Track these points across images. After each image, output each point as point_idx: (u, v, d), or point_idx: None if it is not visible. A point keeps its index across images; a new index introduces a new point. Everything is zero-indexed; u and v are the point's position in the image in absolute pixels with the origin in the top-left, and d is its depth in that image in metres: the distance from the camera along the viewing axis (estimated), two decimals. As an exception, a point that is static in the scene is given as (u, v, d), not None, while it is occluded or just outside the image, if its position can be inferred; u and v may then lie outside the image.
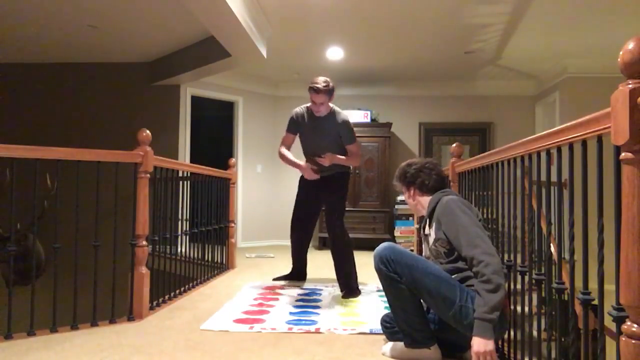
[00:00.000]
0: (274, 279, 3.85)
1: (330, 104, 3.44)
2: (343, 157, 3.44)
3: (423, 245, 2.25)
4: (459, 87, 6.95)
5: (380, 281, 1.97)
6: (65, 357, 2.08)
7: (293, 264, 3.83)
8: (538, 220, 1.83)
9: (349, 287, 3.34)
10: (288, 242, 3.53)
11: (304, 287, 3.67)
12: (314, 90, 3.30)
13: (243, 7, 3.99)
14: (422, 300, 1.95)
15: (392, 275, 1.90)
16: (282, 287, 3.66)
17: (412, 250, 5.10)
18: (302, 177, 3.56)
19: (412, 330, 1.96)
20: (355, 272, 3.41)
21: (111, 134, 5.85)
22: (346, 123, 3.46)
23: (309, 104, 3.47)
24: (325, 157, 3.37)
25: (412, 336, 1.96)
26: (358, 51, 5.66)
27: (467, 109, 6.99)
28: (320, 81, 3.31)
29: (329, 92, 3.33)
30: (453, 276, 1.92)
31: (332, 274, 3.49)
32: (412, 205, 2.28)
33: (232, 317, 2.74)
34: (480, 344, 1.73)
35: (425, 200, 2.17)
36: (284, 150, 3.56)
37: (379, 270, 1.95)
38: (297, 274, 3.84)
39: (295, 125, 3.56)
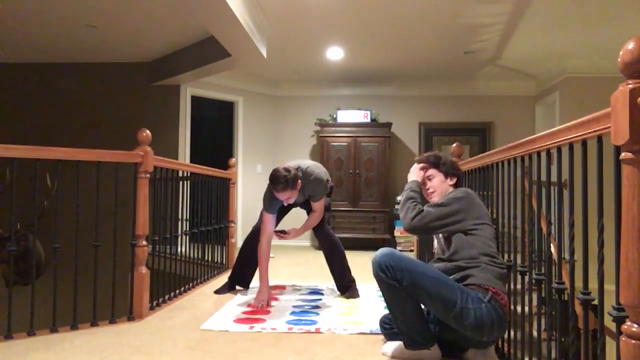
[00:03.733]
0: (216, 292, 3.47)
1: (299, 180, 2.99)
2: (304, 226, 3.30)
3: (435, 241, 2.28)
4: (459, 87, 6.95)
5: (380, 287, 1.97)
6: (65, 357, 2.08)
7: (242, 270, 3.52)
8: (538, 220, 1.83)
9: (349, 287, 3.37)
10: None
11: (304, 287, 3.67)
12: (275, 189, 2.93)
13: (243, 7, 3.99)
14: (421, 304, 1.95)
15: (391, 282, 1.89)
16: (282, 287, 3.66)
17: (412, 250, 5.12)
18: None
19: (412, 332, 1.96)
20: (349, 268, 3.42)
21: (111, 134, 5.83)
22: (316, 185, 3.12)
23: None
24: (289, 233, 3.26)
25: (412, 338, 1.96)
26: (358, 51, 5.66)
27: (467, 109, 6.99)
28: (280, 178, 2.87)
29: (290, 184, 2.90)
30: (452, 276, 1.92)
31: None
32: (439, 193, 2.25)
33: (232, 317, 2.74)
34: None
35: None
36: (265, 249, 3.15)
37: (378, 277, 1.94)
38: (242, 281, 3.56)
39: (276, 206, 3.15)
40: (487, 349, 1.98)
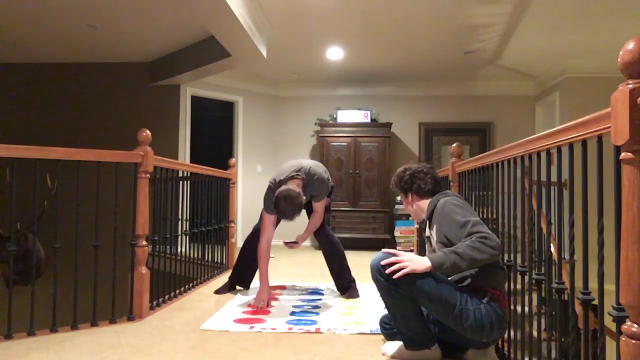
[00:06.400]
0: (216, 291, 3.48)
1: (300, 181, 3.03)
2: (307, 230, 3.31)
3: (426, 247, 2.24)
4: (459, 87, 6.96)
5: (379, 291, 1.96)
6: (65, 357, 2.08)
7: (243, 270, 3.53)
8: (538, 220, 1.83)
9: (349, 287, 3.37)
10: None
11: (304, 287, 3.67)
12: (283, 219, 2.96)
13: (243, 7, 3.99)
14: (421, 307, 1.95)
15: (390, 286, 1.88)
16: (282, 287, 3.66)
17: (411, 251, 5.15)
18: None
19: (412, 333, 1.95)
20: (349, 268, 3.42)
21: (111, 134, 5.84)
22: (319, 185, 3.14)
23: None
24: (297, 242, 3.29)
25: (412, 339, 1.96)
26: (358, 51, 5.66)
27: (467, 109, 6.99)
28: (287, 212, 2.85)
29: (297, 212, 2.90)
30: (449, 278, 1.92)
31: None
32: (412, 211, 2.27)
33: (232, 317, 2.74)
34: (415, 259, 1.81)
35: (425, 204, 2.17)
36: (265, 249, 3.15)
37: (376, 281, 1.93)
38: (242, 281, 3.57)
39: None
40: (487, 349, 1.98)
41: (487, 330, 1.81)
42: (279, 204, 2.85)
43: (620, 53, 1.11)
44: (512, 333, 2.06)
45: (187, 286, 3.50)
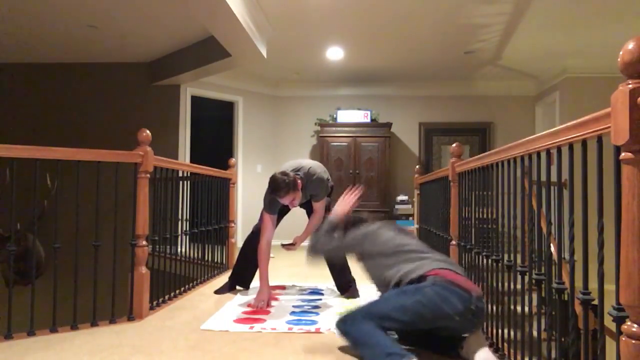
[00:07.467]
0: (216, 292, 3.47)
1: (299, 181, 3.00)
2: (306, 230, 3.30)
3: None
4: (459, 87, 6.96)
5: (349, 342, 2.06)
6: (65, 357, 2.08)
7: (243, 270, 3.53)
8: (538, 220, 1.83)
9: (349, 287, 3.37)
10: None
11: (304, 287, 3.67)
12: (278, 196, 2.93)
13: (243, 7, 3.99)
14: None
15: (355, 337, 1.99)
16: (282, 287, 3.66)
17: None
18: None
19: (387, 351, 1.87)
20: (349, 268, 3.41)
21: (111, 134, 5.84)
22: (318, 185, 3.14)
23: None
24: (295, 243, 3.31)
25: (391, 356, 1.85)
26: (358, 51, 5.66)
27: (467, 109, 7.00)
28: (281, 184, 2.87)
29: (292, 188, 2.90)
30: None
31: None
32: None
33: (232, 317, 2.74)
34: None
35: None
36: (265, 249, 3.14)
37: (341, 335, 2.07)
38: (242, 281, 3.57)
39: (276, 206, 3.15)
40: (476, 332, 1.98)
41: (446, 306, 1.85)
42: (276, 179, 2.88)
43: (620, 53, 1.11)
44: (512, 333, 2.06)
45: (187, 286, 3.50)
